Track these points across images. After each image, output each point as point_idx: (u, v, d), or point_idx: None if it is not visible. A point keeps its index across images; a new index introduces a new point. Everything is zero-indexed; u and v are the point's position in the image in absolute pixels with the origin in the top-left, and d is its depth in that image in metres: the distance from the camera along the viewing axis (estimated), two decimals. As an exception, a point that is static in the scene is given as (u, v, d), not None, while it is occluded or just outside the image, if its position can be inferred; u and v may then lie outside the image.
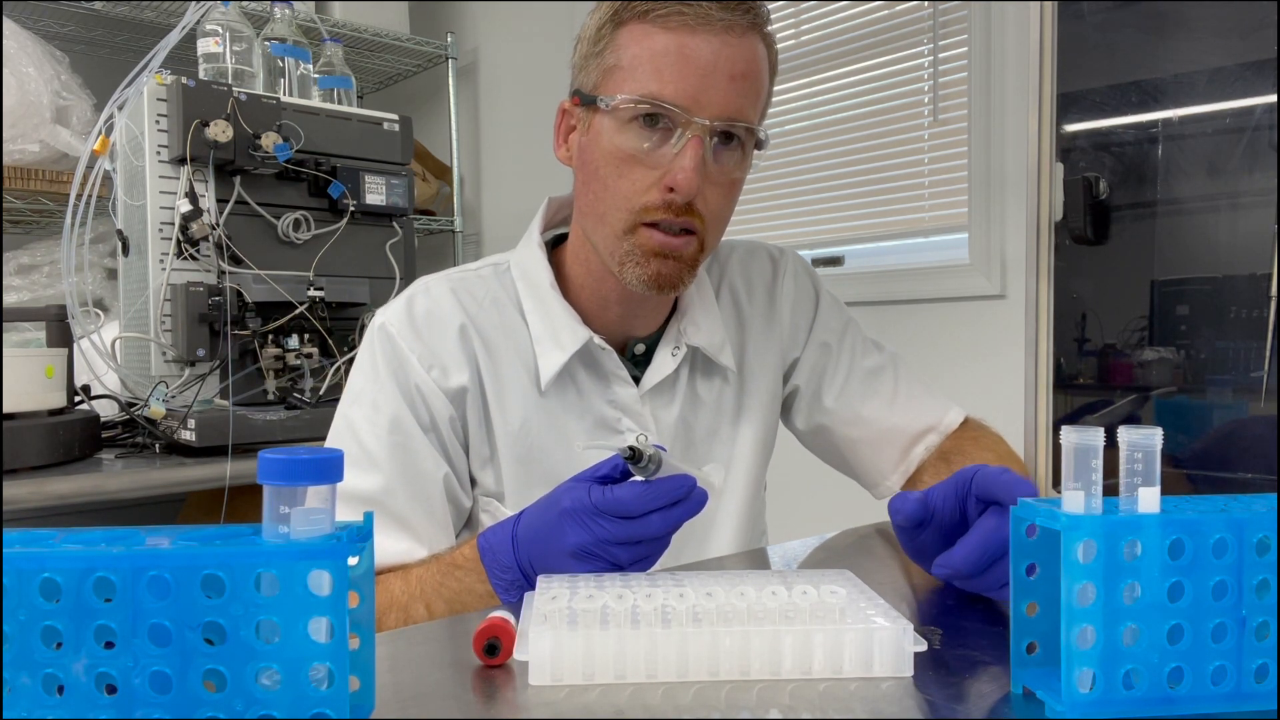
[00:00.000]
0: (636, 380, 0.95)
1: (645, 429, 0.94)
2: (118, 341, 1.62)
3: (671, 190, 0.82)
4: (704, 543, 0.99)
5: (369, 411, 0.89)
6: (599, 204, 0.87)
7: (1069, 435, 0.50)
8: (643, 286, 0.86)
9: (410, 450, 0.88)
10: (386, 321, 0.92)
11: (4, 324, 1.79)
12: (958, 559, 0.67)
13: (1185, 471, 1.38)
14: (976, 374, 1.77)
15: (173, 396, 1.51)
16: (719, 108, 0.82)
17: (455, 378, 0.90)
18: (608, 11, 0.85)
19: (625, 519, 0.68)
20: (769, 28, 0.87)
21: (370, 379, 0.90)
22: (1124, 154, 1.47)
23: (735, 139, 0.85)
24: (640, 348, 0.96)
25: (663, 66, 0.81)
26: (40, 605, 0.43)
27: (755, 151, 0.89)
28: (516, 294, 0.95)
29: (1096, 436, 0.49)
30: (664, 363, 0.95)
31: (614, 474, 0.71)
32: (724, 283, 1.04)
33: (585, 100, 0.87)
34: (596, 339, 0.92)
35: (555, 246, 0.99)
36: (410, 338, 0.90)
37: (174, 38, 1.53)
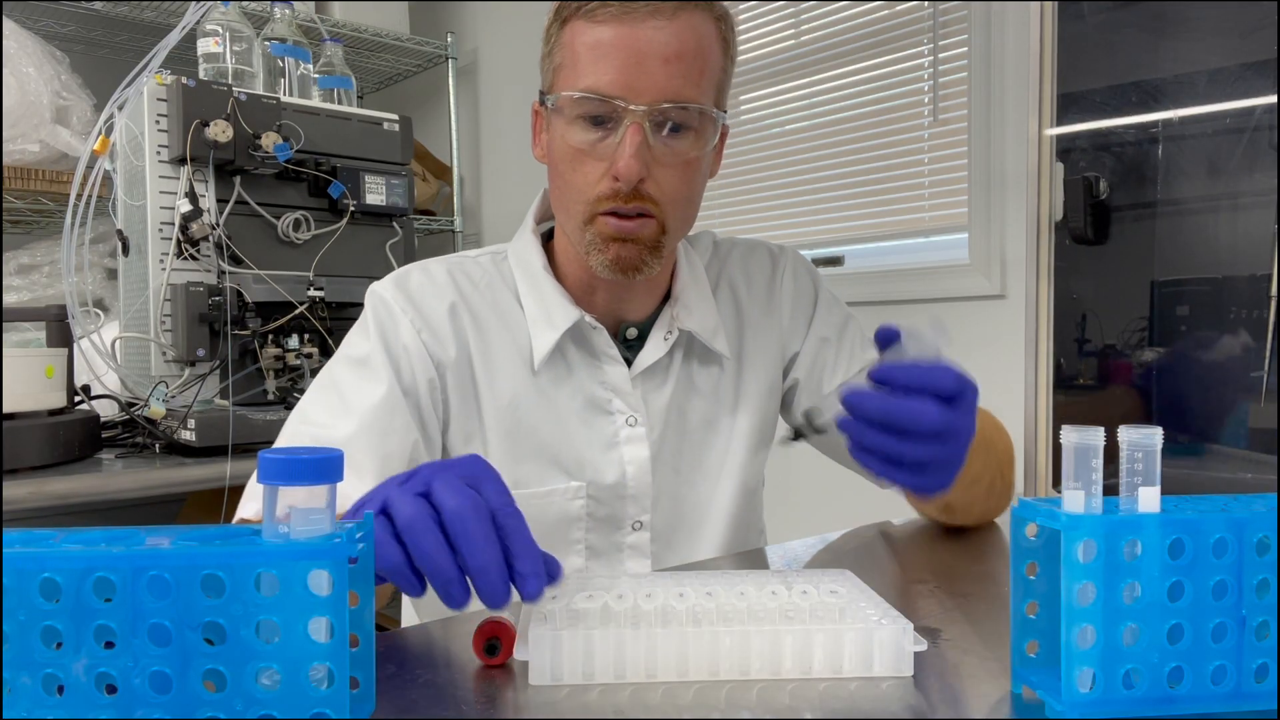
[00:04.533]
0: (630, 365, 0.97)
1: (635, 411, 0.95)
2: (118, 341, 1.62)
3: (616, 179, 0.84)
4: (695, 530, 0.99)
5: (352, 365, 0.91)
6: (563, 198, 0.89)
7: (1069, 435, 0.50)
8: (606, 271, 0.88)
9: (384, 407, 0.89)
10: (381, 287, 0.95)
11: (4, 324, 1.79)
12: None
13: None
14: (976, 374, 1.75)
15: (173, 396, 1.51)
16: (655, 92, 0.83)
17: (443, 347, 0.92)
18: (553, 12, 0.88)
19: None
20: (714, 3, 0.87)
21: (360, 335, 0.93)
22: (1124, 154, 1.47)
23: (683, 120, 0.85)
24: (632, 332, 0.97)
25: (598, 59, 0.83)
26: (40, 605, 0.43)
27: (724, 128, 0.90)
28: (513, 280, 0.97)
29: (1096, 436, 0.49)
30: (656, 346, 0.97)
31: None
32: (723, 278, 1.05)
33: (542, 100, 0.90)
34: (588, 317, 0.93)
35: (551, 238, 1.01)
36: (404, 301, 0.93)
37: (174, 38, 1.53)
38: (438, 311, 0.93)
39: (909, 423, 0.64)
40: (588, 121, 0.84)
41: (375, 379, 0.89)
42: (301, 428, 0.88)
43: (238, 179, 1.60)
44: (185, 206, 1.52)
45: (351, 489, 0.83)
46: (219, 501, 1.39)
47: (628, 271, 0.88)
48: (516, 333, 0.94)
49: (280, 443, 0.88)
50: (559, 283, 0.95)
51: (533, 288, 0.95)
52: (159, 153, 1.55)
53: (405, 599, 1.10)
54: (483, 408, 0.93)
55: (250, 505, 0.84)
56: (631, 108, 0.82)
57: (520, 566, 0.55)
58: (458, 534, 0.54)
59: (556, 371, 0.94)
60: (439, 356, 0.92)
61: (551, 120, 0.88)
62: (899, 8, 1.91)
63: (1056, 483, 1.58)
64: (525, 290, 0.95)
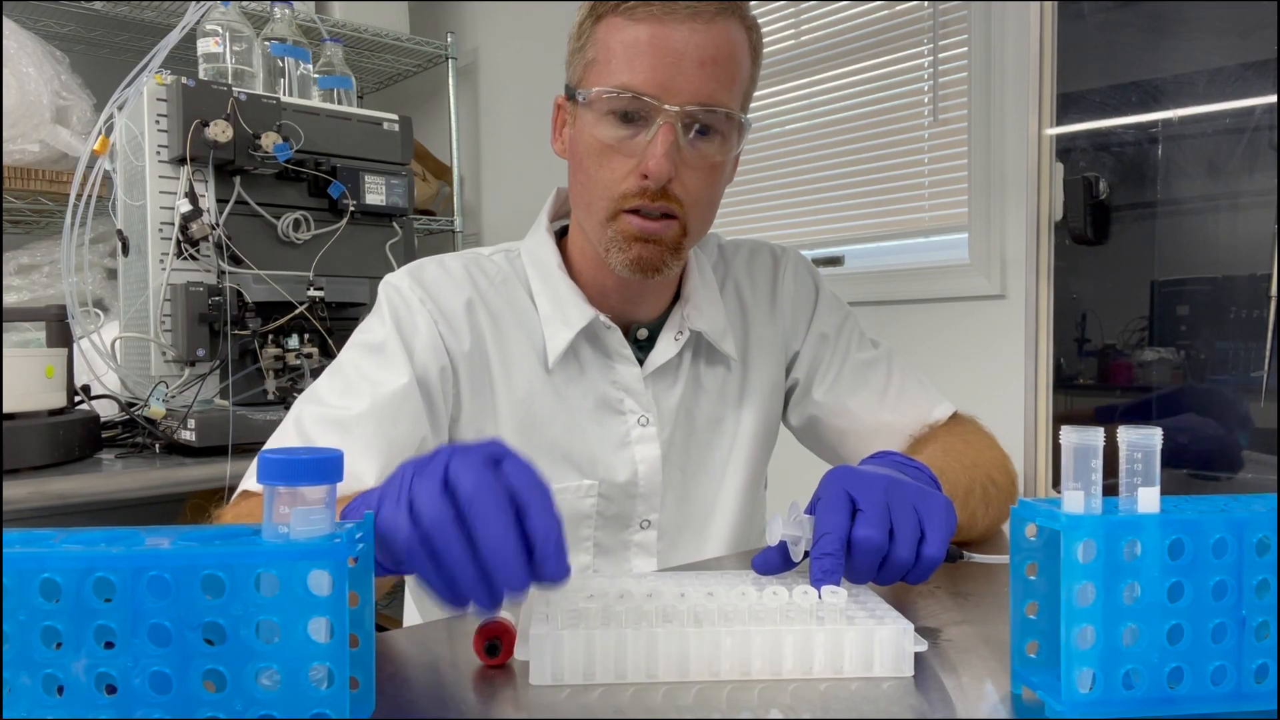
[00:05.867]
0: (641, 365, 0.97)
1: (647, 411, 0.96)
2: (118, 341, 1.62)
3: (645, 176, 0.84)
4: (701, 529, 1.00)
5: (367, 351, 0.91)
6: (585, 193, 0.89)
7: (1069, 435, 0.50)
8: (626, 270, 0.88)
9: (397, 394, 0.88)
10: (397, 279, 0.94)
11: (4, 324, 1.79)
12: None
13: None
14: (976, 374, 1.77)
15: (173, 396, 1.51)
16: (689, 94, 0.83)
17: (458, 340, 0.92)
18: (588, 8, 0.88)
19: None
20: (747, 10, 0.88)
21: (376, 322, 0.93)
22: (1124, 154, 1.47)
23: (712, 124, 0.86)
24: (643, 332, 0.98)
25: (633, 57, 0.83)
26: (40, 605, 0.43)
27: (748, 135, 0.90)
28: (526, 278, 0.97)
29: (1096, 436, 0.49)
30: (667, 346, 0.97)
31: None
32: (728, 279, 1.06)
33: (570, 94, 0.90)
34: (602, 317, 0.94)
35: (564, 236, 1.01)
36: (421, 292, 0.93)
37: (174, 38, 1.53)
38: (455, 305, 0.93)
39: (868, 568, 0.65)
40: (618, 118, 0.85)
41: (390, 367, 0.89)
42: (308, 407, 0.88)
43: (238, 179, 1.60)
44: (185, 206, 1.52)
45: (358, 466, 0.83)
46: (220, 502, 1.39)
47: (647, 271, 0.88)
48: (531, 331, 0.95)
49: (287, 423, 0.88)
50: (573, 281, 0.96)
51: (547, 286, 0.95)
52: (159, 153, 1.55)
53: (407, 598, 1.10)
54: (498, 404, 0.93)
55: (253, 479, 0.83)
56: (665, 107, 0.83)
57: (538, 549, 0.52)
58: (474, 520, 0.51)
59: (569, 371, 0.95)
60: (453, 348, 0.92)
61: (579, 115, 0.88)
62: (899, 8, 1.91)
63: (1056, 483, 1.58)
64: (539, 289, 0.96)
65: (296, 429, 0.86)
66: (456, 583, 0.52)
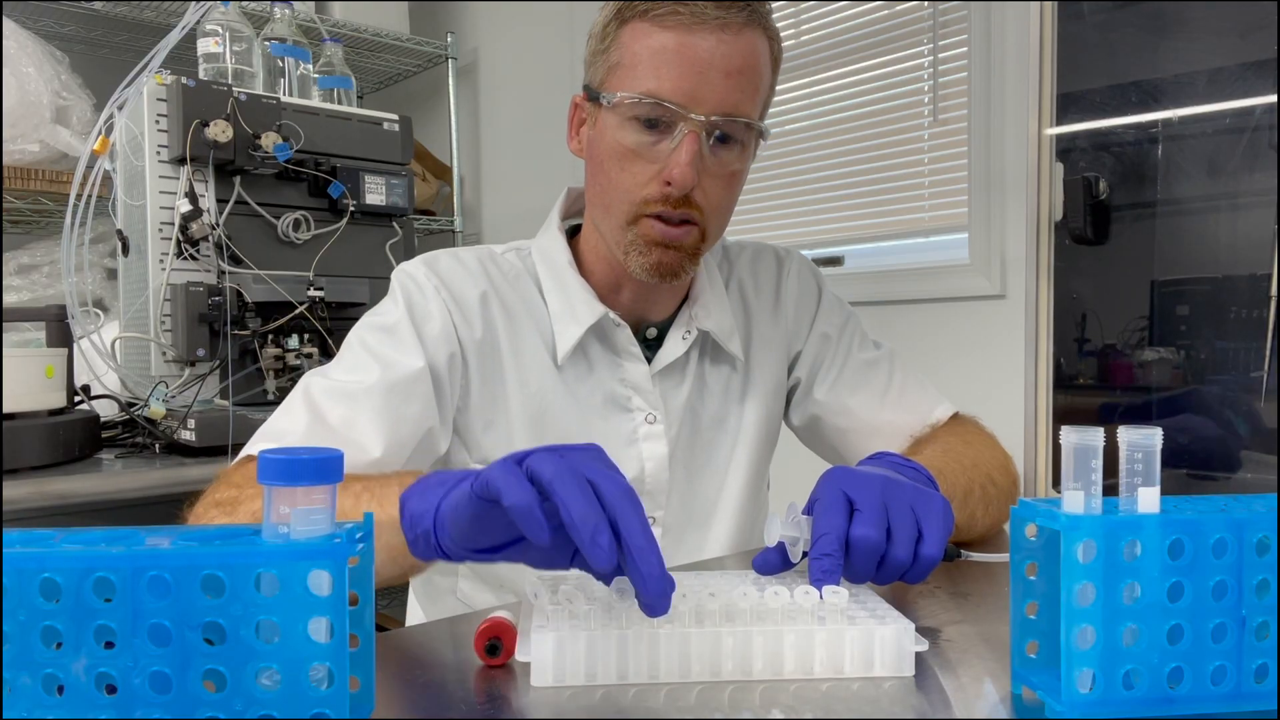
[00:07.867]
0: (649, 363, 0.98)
1: (655, 409, 0.96)
2: (118, 341, 1.62)
3: (669, 184, 0.85)
4: (703, 527, 1.00)
5: (380, 332, 0.91)
6: (604, 195, 0.90)
7: (1069, 435, 0.50)
8: (645, 275, 0.89)
9: (408, 376, 0.88)
10: (412, 266, 0.95)
11: (4, 324, 1.79)
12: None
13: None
14: (976, 374, 1.77)
15: (173, 396, 1.51)
16: (715, 104, 0.84)
17: (470, 329, 0.93)
18: (612, 10, 0.88)
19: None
20: (770, 21, 0.88)
21: (390, 305, 0.93)
22: (1124, 154, 1.47)
23: (734, 133, 0.86)
24: (652, 331, 0.99)
25: (660, 64, 0.83)
26: (40, 605, 0.43)
27: (761, 142, 0.91)
28: (537, 275, 0.98)
29: (1096, 436, 0.49)
30: (675, 345, 0.98)
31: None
32: (732, 279, 1.06)
33: (591, 96, 0.90)
34: (611, 315, 0.94)
35: (574, 235, 1.02)
36: (436, 280, 0.93)
37: (174, 38, 1.53)
38: (469, 296, 0.93)
39: (866, 568, 0.65)
40: (642, 123, 0.85)
41: (402, 349, 0.89)
42: (317, 380, 0.88)
43: (238, 179, 1.60)
44: (185, 206, 1.52)
45: (364, 436, 0.84)
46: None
47: (666, 277, 0.89)
48: (541, 327, 0.96)
49: (294, 393, 0.88)
50: (584, 279, 0.96)
51: (557, 284, 0.96)
52: (159, 153, 1.55)
53: (410, 598, 1.10)
54: (509, 396, 0.94)
55: (259, 444, 0.84)
56: (691, 116, 0.83)
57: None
58: (617, 511, 0.53)
59: (579, 368, 0.96)
60: (465, 337, 0.92)
61: (601, 117, 0.88)
62: (899, 8, 1.91)
63: (1056, 483, 1.58)
64: (549, 286, 0.96)
65: (304, 398, 0.86)
66: (579, 526, 0.52)
